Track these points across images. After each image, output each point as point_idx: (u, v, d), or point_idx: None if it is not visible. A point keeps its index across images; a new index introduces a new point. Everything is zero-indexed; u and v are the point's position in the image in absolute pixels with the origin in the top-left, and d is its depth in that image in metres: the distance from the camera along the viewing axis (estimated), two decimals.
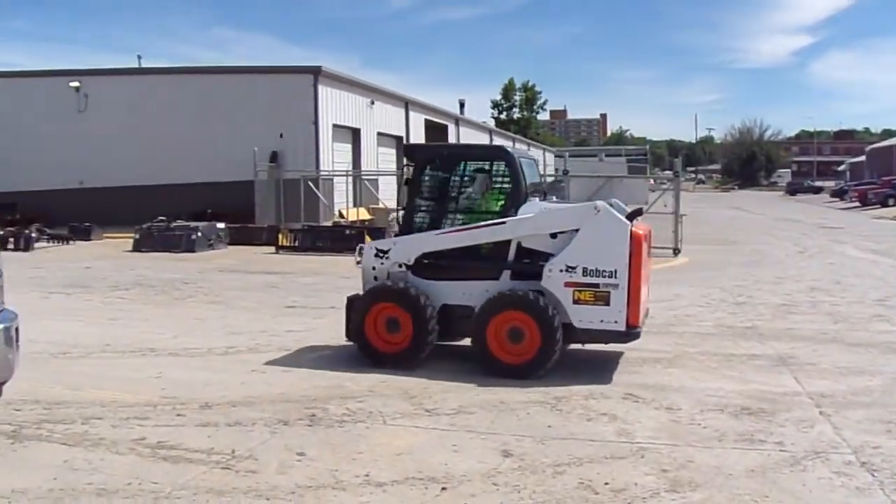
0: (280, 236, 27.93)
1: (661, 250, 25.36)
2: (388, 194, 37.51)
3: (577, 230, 10.05)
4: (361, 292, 10.89)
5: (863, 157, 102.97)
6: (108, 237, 31.02)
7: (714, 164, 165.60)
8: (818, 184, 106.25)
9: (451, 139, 56.77)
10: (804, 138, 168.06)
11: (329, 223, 31.37)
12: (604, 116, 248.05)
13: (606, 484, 6.54)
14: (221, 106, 36.39)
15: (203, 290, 17.86)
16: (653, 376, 10.10)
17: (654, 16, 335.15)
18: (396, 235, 11.22)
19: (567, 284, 9.94)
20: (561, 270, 9.96)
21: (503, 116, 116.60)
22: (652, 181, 43.95)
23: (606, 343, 10.53)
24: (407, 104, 47.88)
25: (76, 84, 38.52)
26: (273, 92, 36.37)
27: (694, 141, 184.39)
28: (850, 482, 6.67)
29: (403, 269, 10.67)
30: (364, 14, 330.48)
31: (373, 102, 42.09)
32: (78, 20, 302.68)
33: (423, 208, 11.06)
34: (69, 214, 32.97)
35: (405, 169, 11.43)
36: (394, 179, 41.57)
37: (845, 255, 26.83)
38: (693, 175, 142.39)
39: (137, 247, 27.42)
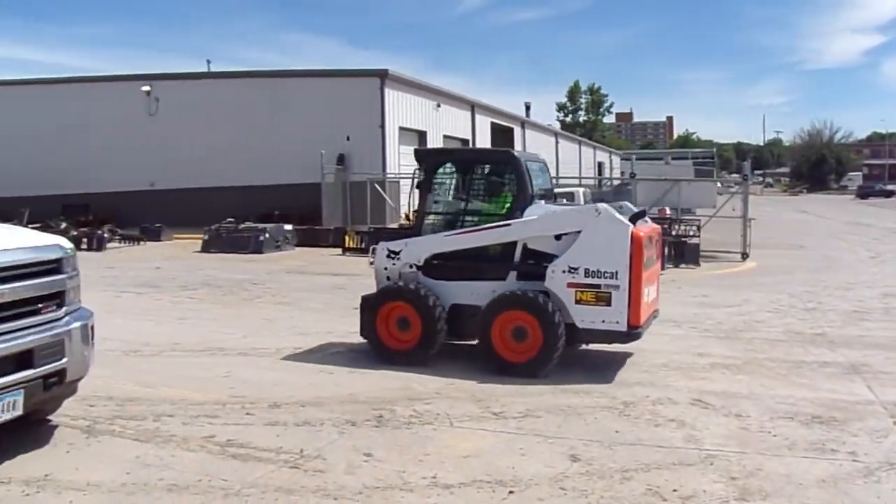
0: (346, 238, 28.16)
1: (729, 255, 25.14)
2: None
3: (579, 232, 10.25)
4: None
5: None
6: (177, 238, 31.54)
7: (782, 167, 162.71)
8: (890, 187, 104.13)
9: (517, 142, 56.67)
10: (876, 140, 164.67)
11: (395, 225, 31.45)
12: (670, 119, 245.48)
13: (674, 491, 6.48)
14: (289, 109, 36.79)
15: (271, 291, 18.06)
16: (721, 382, 9.97)
17: (721, 16, 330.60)
18: (408, 237, 11.48)
19: (570, 285, 10.15)
20: (564, 271, 10.17)
21: (569, 119, 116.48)
22: (720, 184, 43.35)
23: (609, 343, 10.71)
24: (473, 107, 47.89)
25: (147, 88, 39.30)
26: (340, 95, 36.65)
27: (762, 143, 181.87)
28: None
29: (414, 269, 11.00)
30: (430, 18, 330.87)
31: (439, 105, 42.19)
32: (150, 27, 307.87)
33: (433, 211, 11.42)
34: (140, 215, 33.65)
35: (416, 173, 11.76)
36: None
37: None
38: (761, 178, 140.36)
39: (206, 247, 27.83)
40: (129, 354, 11.27)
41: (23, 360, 6.78)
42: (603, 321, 10.08)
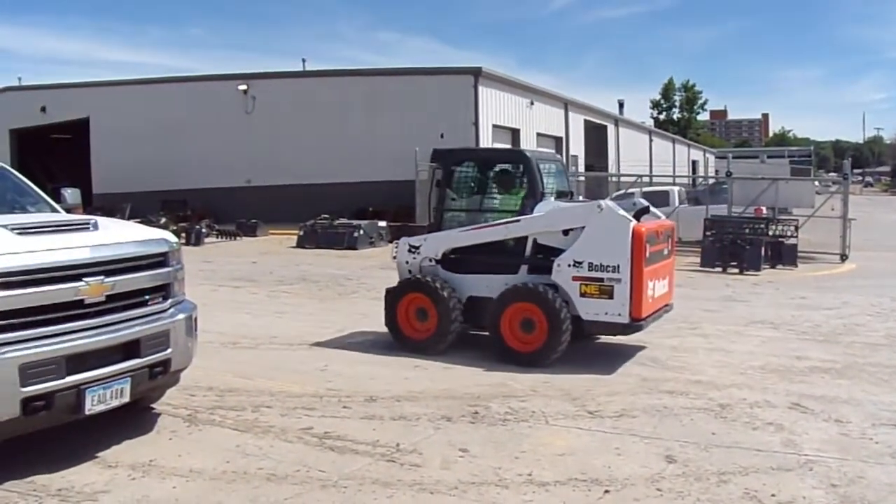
0: None
1: (828, 256, 24.57)
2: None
3: (583, 227, 10.63)
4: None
5: None
6: (272, 233, 32.07)
7: (883, 165, 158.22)
8: None
9: (611, 139, 56.19)
10: None
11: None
12: (765, 116, 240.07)
13: (773, 496, 6.37)
14: (384, 106, 37.11)
15: (366, 287, 18.22)
16: (821, 387, 9.75)
17: (817, 12, 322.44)
18: (428, 233, 11.92)
19: (574, 278, 10.54)
20: (569, 265, 10.56)
21: (662, 117, 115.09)
22: (818, 184, 42.38)
23: (612, 335, 11.06)
24: (566, 105, 47.64)
25: (244, 87, 40.04)
26: (434, 92, 36.83)
27: (861, 141, 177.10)
28: None
29: (433, 263, 11.57)
30: (521, 15, 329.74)
31: (532, 103, 42.08)
32: (248, 27, 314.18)
33: (451, 207, 11.94)
34: (236, 211, 34.36)
35: (434, 171, 12.22)
36: None
37: None
38: (860, 177, 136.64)
39: (301, 243, 28.26)
40: (228, 346, 11.56)
41: (131, 349, 7.03)
42: (606, 313, 10.43)
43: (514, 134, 40.47)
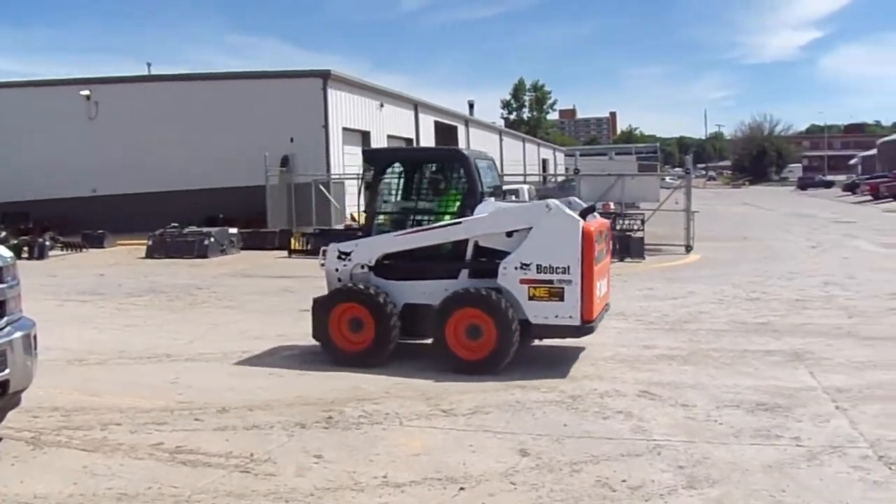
0: (292, 240, 28.02)
1: (674, 248, 25.43)
2: None
3: (530, 228, 10.30)
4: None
5: (874, 151, 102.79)
6: (121, 244, 31.12)
7: (724, 160, 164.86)
8: (829, 178, 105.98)
9: (461, 140, 56.75)
10: (815, 133, 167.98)
11: (341, 226, 31.34)
12: (613, 115, 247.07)
13: (623, 481, 6.56)
14: (232, 111, 36.45)
15: (217, 295, 17.92)
16: (668, 374, 10.09)
17: (661, 13, 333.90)
18: (359, 238, 11.50)
19: (522, 281, 10.22)
20: (516, 268, 10.23)
21: (513, 117, 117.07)
22: (668, 178, 43.85)
23: (562, 338, 10.79)
24: (416, 106, 47.89)
25: (86, 92, 38.67)
26: (283, 96, 36.40)
27: (704, 137, 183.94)
28: (868, 476, 6.68)
29: (366, 270, 10.99)
30: (373, 17, 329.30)
31: (382, 105, 42.11)
32: (88, 30, 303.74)
33: (383, 211, 11.42)
34: (82, 222, 33.14)
35: (365, 173, 11.60)
36: None
37: (859, 249, 26.76)
38: (704, 172, 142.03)
39: (150, 253, 27.52)
40: (74, 363, 11.12)
41: None
42: (556, 316, 10.16)
43: (365, 136, 40.40)
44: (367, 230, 11.40)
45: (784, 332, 12.64)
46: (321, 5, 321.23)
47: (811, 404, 8.75)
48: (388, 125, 43.03)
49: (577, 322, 10.15)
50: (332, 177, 33.84)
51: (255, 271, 23.10)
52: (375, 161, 11.66)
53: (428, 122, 49.95)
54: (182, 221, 29.69)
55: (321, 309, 10.96)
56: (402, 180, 11.48)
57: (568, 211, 10.35)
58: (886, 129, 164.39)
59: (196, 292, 18.57)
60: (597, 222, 10.79)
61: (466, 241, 10.68)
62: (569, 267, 10.06)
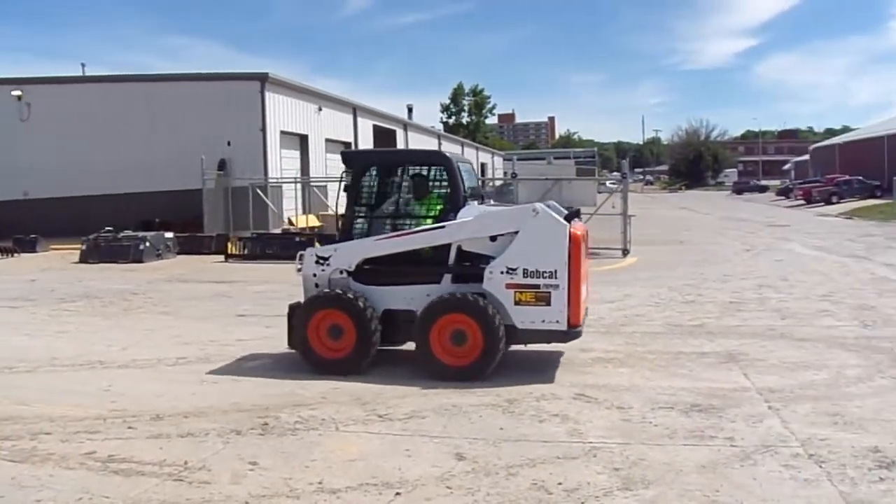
0: (229, 245, 27.72)
1: (610, 251, 25.63)
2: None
3: (516, 232, 10.22)
4: (303, 300, 10.89)
5: (807, 157, 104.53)
6: (54, 249, 30.50)
7: (662, 165, 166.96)
8: (764, 183, 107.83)
9: (400, 144, 56.67)
10: (750, 138, 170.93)
11: (278, 231, 31.17)
12: (552, 119, 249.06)
13: (559, 484, 6.59)
14: (168, 114, 35.99)
15: (152, 301, 17.67)
16: (603, 376, 10.17)
17: (601, 20, 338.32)
18: (337, 242, 11.12)
19: (508, 286, 10.11)
20: (502, 272, 10.13)
21: (452, 121, 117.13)
22: (608, 182, 44.36)
23: (548, 343, 10.64)
24: (355, 110, 47.68)
25: (18, 93, 37.85)
26: (220, 99, 35.98)
27: (641, 142, 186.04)
28: (799, 474, 6.81)
29: (345, 275, 10.69)
30: (313, 21, 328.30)
31: (320, 109, 41.89)
32: (21, 29, 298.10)
33: (362, 214, 11.04)
34: (13, 226, 32.39)
35: (343, 175, 11.36)
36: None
37: (792, 252, 27.24)
38: (641, 176, 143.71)
39: (84, 258, 27.03)
40: (4, 371, 10.90)
41: None
42: (543, 321, 10.10)
43: (303, 140, 40.19)
44: (344, 234, 11.02)
45: (718, 333, 12.81)
46: (260, 8, 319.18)
47: (744, 405, 8.89)
48: (327, 129, 42.84)
49: (563, 326, 10.12)
50: (270, 181, 33.61)
51: (192, 276, 22.81)
52: (354, 163, 11.41)
53: (367, 126, 49.80)
54: (117, 226, 29.26)
55: (300, 316, 10.63)
56: (381, 183, 11.14)
57: (555, 215, 10.30)
58: (819, 135, 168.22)
59: (131, 298, 18.28)
60: (580, 227, 10.72)
61: (449, 245, 10.49)
62: (556, 271, 10.02)
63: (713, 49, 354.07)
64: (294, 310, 10.90)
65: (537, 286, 10.06)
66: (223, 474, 6.91)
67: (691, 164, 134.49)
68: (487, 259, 10.30)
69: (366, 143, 49.01)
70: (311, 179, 36.71)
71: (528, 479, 6.72)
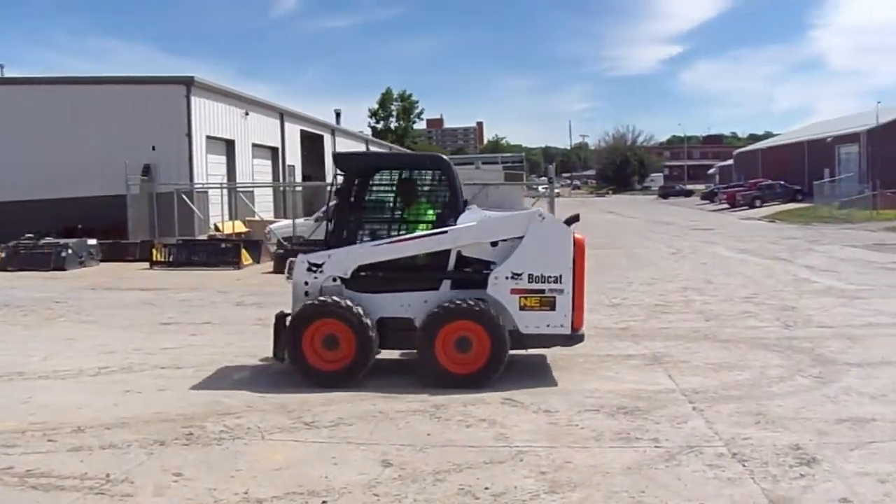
0: (154, 251, 27.30)
1: None
2: (263, 206, 37.07)
3: (520, 237, 10.23)
4: (291, 309, 10.54)
5: (731, 161, 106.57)
6: None
7: (589, 169, 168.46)
8: (689, 187, 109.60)
9: (328, 149, 56.44)
10: (675, 143, 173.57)
11: (204, 237, 30.80)
12: (480, 125, 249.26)
13: (486, 489, 6.59)
14: (91, 117, 35.19)
15: (74, 309, 17.31)
16: (530, 380, 10.19)
17: (529, 26, 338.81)
18: (326, 248, 10.73)
19: (513, 291, 10.11)
20: (507, 278, 10.11)
21: (380, 126, 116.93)
22: (539, 187, 44.60)
23: (551, 347, 10.71)
24: (282, 115, 47.35)
25: None
26: (145, 103, 35.36)
27: (569, 147, 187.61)
28: (723, 473, 6.93)
29: (338, 282, 10.35)
30: (242, 24, 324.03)
31: (247, 113, 41.50)
32: None
33: (354, 219, 10.77)
34: None
35: (335, 178, 11.11)
36: (270, 191, 41.19)
37: (716, 255, 27.76)
38: (568, 181, 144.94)
39: (4, 266, 26.42)
40: None
41: None
42: (548, 325, 10.16)
43: (230, 145, 39.77)
44: (334, 240, 10.66)
45: (644, 336, 12.97)
46: (190, 11, 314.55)
47: (669, 406, 9.01)
48: (254, 134, 42.48)
49: (567, 331, 10.21)
50: (196, 186, 33.21)
51: (115, 284, 22.39)
52: (349, 166, 11.09)
53: (294, 131, 49.51)
54: (38, 232, 28.64)
55: (295, 326, 10.12)
56: (374, 187, 10.95)
57: (560, 220, 10.47)
58: (742, 140, 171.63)
59: (53, 306, 17.90)
60: (580, 232, 10.70)
61: (448, 250, 10.38)
62: (561, 276, 10.11)
63: (640, 55, 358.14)
64: (281, 319, 10.52)
65: (542, 291, 10.12)
66: (146, 487, 6.77)
67: (618, 168, 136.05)
68: (485, 264, 10.33)
69: (293, 148, 48.77)
70: (238, 185, 36.38)
71: (455, 484, 6.71)
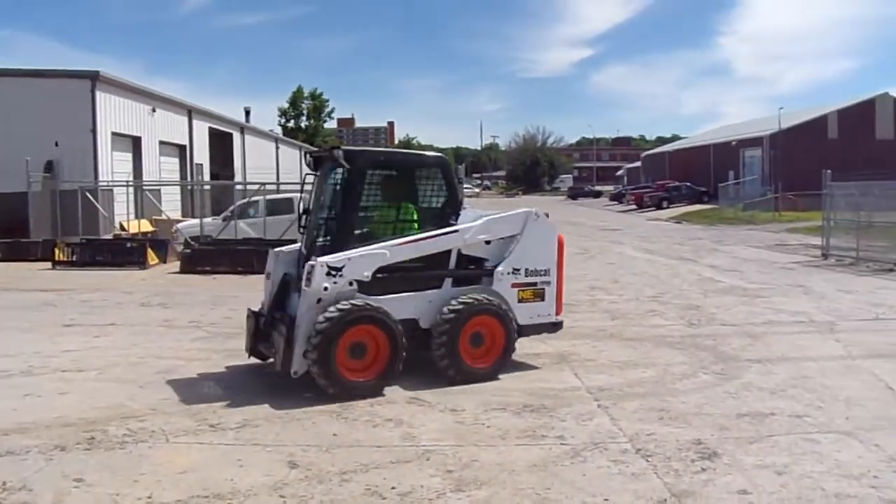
0: (56, 251, 26.54)
1: None
2: (170, 205, 36.44)
3: (517, 235, 10.82)
4: (264, 307, 10.45)
5: (639, 163, 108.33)
6: None
7: (499, 170, 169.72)
8: (598, 188, 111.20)
9: (237, 147, 55.79)
10: (585, 145, 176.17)
11: (109, 236, 30.14)
12: (391, 124, 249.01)
13: (393, 488, 6.61)
14: None
15: None
16: (437, 379, 10.16)
17: (441, 27, 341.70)
18: (336, 249, 10.03)
19: (513, 286, 10.72)
20: (508, 273, 10.69)
21: (290, 125, 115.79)
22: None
23: (539, 335, 11.33)
24: (190, 112, 46.59)
25: None
26: (47, 97, 34.24)
27: (479, 148, 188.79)
28: (627, 469, 7.09)
29: (354, 286, 9.84)
30: (148, 18, 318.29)
31: (154, 110, 40.75)
32: None
33: (363, 217, 10.55)
34: None
35: (343, 174, 10.45)
36: (177, 190, 40.54)
37: (623, 255, 28.22)
38: (479, 181, 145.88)
39: None
40: None
41: None
42: (538, 315, 10.90)
43: (136, 142, 38.99)
44: (340, 241, 10.14)
45: (551, 335, 13.04)
46: (93, 2, 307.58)
47: (575, 404, 9.15)
48: (161, 131, 41.72)
49: (553, 319, 11.06)
50: (101, 184, 32.49)
51: (14, 284, 21.72)
52: (358, 163, 10.38)
53: (202, 129, 48.77)
54: None
55: (327, 338, 9.34)
56: (375, 186, 10.63)
57: (546, 218, 11.12)
58: (650, 142, 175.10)
59: None
60: None
61: (450, 249, 10.56)
62: (549, 269, 10.96)
63: (552, 58, 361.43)
64: (255, 318, 10.43)
65: (535, 284, 10.87)
66: (45, 494, 6.61)
67: (528, 169, 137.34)
68: (478, 261, 10.75)
69: (201, 145, 48.07)
70: (145, 183, 35.61)
71: (361, 484, 6.71)
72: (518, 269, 10.73)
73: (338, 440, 7.87)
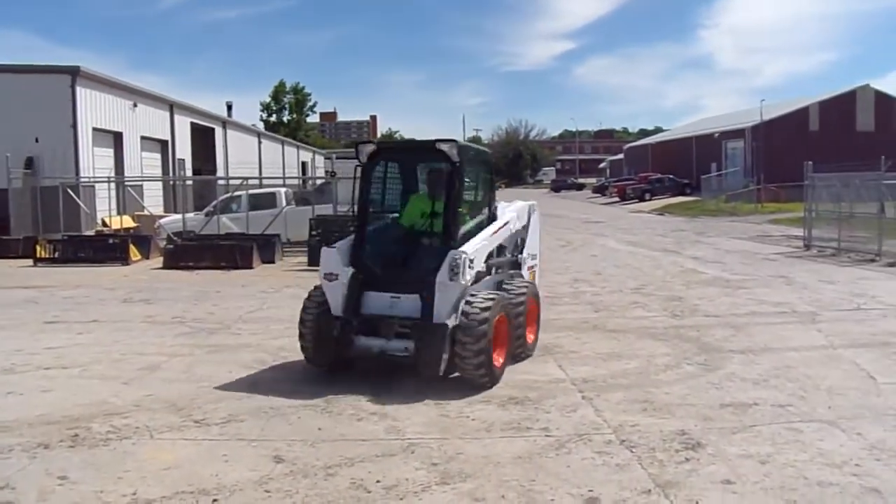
0: (38, 248, 26.37)
1: None
2: (153, 201, 36.29)
3: (525, 225, 12.01)
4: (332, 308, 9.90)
5: (621, 156, 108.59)
6: None
7: None
8: (581, 181, 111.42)
9: (219, 142, 55.60)
10: (567, 138, 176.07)
11: (91, 232, 30.02)
12: (374, 118, 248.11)
13: (378, 482, 6.61)
14: None
15: None
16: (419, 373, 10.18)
17: (424, 21, 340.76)
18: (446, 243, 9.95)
19: (528, 269, 12.02)
20: (527, 258, 12.01)
21: (273, 119, 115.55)
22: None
23: None
24: (172, 107, 46.42)
25: None
26: (27, 93, 34.06)
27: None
28: (611, 460, 7.11)
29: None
30: (130, 13, 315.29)
31: (135, 105, 40.58)
32: None
33: (377, 208, 11.00)
34: None
35: (445, 168, 10.19)
36: (159, 185, 40.39)
37: (606, 247, 28.29)
38: None
39: None
40: None
41: None
42: None
43: (117, 137, 38.83)
44: (454, 232, 9.96)
45: None
46: None
47: (559, 396, 9.17)
48: (143, 126, 41.58)
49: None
50: (82, 180, 32.33)
51: None
52: (464, 156, 10.17)
53: (184, 124, 48.60)
54: None
55: (486, 329, 9.24)
56: (403, 176, 11.16)
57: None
58: (633, 135, 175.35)
59: None
60: None
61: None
62: (539, 253, 12.64)
63: (534, 51, 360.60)
64: (326, 320, 9.83)
65: (534, 266, 12.35)
66: (29, 492, 6.57)
67: (511, 162, 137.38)
68: (502, 249, 11.44)
69: (183, 141, 47.89)
70: (126, 179, 35.43)
71: (346, 478, 6.70)
72: (532, 255, 12.18)
73: (323, 434, 7.86)
